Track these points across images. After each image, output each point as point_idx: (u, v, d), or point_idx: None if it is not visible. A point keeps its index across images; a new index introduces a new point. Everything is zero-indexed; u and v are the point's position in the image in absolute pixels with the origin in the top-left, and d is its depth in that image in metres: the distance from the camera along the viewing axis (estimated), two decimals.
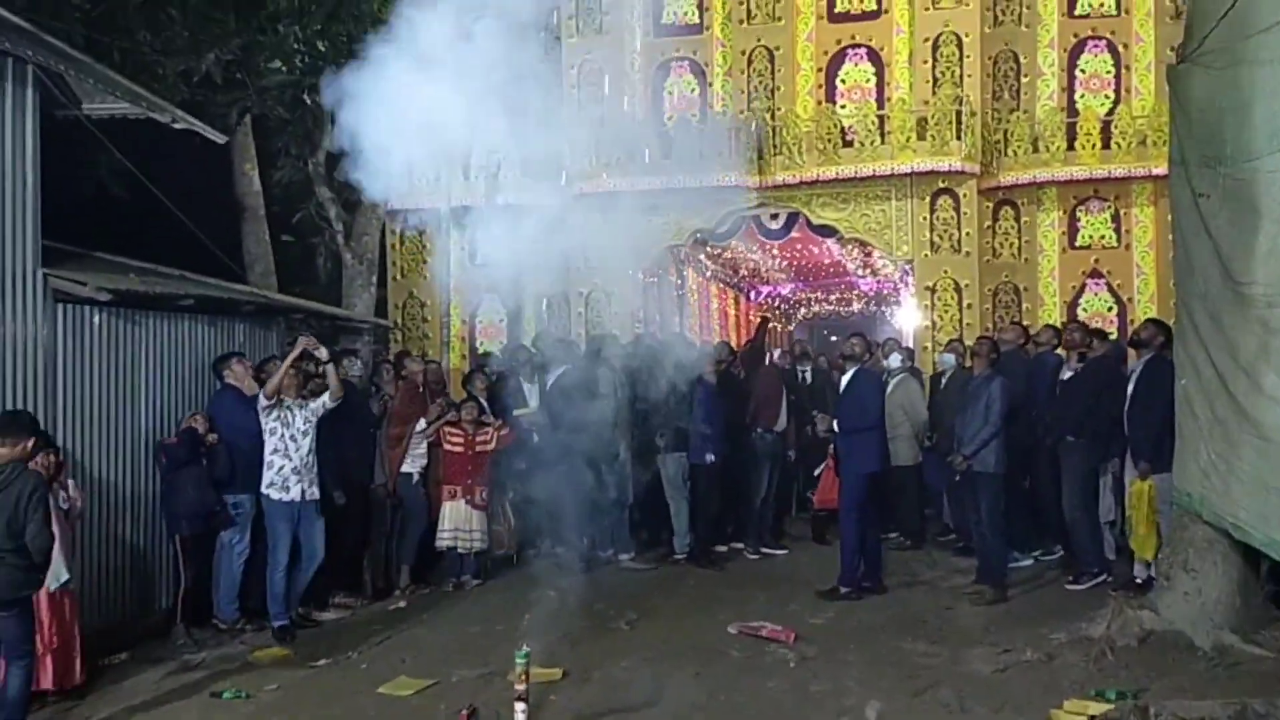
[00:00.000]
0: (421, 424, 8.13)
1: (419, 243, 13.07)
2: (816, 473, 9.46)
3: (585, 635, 6.64)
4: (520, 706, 4.97)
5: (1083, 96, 11.92)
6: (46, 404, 6.30)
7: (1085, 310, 11.85)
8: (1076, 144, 11.60)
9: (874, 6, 11.87)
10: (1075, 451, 7.63)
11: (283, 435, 6.94)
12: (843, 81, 11.93)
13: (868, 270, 16.89)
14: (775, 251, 15.45)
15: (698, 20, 12.36)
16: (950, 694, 5.50)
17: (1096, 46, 11.89)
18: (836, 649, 6.36)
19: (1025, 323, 11.29)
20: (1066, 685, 5.55)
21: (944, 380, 9.23)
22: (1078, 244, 11.95)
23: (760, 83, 11.96)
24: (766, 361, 9.87)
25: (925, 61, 11.57)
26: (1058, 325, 9.53)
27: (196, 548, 6.89)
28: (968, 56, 11.50)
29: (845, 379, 7.96)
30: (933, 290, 11.61)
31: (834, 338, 22.43)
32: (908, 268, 12.20)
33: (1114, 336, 10.70)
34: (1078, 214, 11.95)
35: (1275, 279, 5.51)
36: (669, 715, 5.40)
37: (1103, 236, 11.91)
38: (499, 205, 12.19)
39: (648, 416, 8.79)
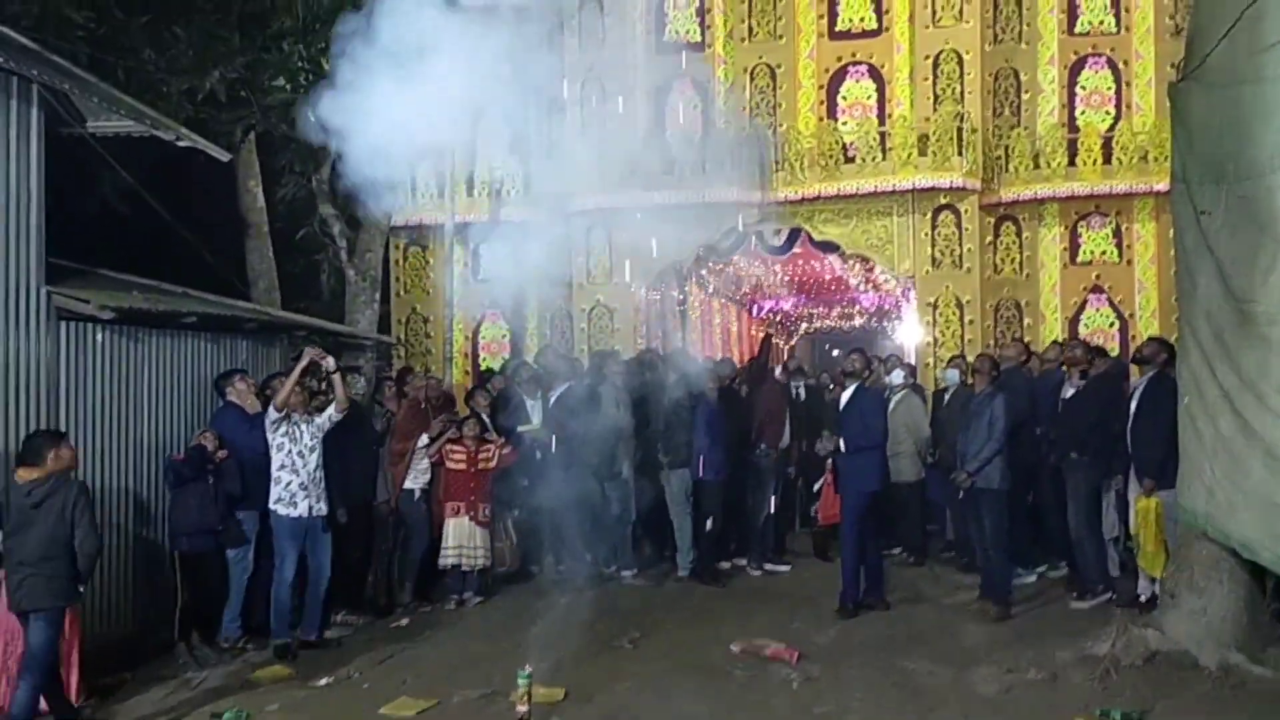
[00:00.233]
0: (424, 440, 8.12)
1: (422, 259, 13.12)
2: (816, 488, 9.44)
3: (587, 654, 6.61)
4: None
5: (1083, 113, 11.97)
6: (49, 421, 6.30)
7: (1087, 326, 11.87)
8: (1077, 160, 11.64)
9: (875, 24, 11.93)
10: (1079, 469, 7.61)
11: (290, 450, 6.90)
12: (844, 98, 11.99)
13: (869, 285, 16.91)
14: (777, 267, 15.48)
15: (700, 38, 12.41)
16: (955, 715, 5.47)
17: (1096, 63, 11.95)
18: (840, 668, 6.33)
19: (1027, 338, 11.33)
20: (1072, 705, 5.53)
21: (947, 396, 9.23)
22: (1079, 260, 11.98)
23: (762, 99, 12.01)
24: (770, 378, 9.85)
25: (926, 78, 11.62)
26: (1061, 341, 9.54)
27: (198, 565, 6.86)
28: (968, 73, 11.55)
29: (846, 396, 7.93)
30: (934, 306, 11.62)
31: (835, 352, 22.44)
32: (909, 283, 12.22)
33: (1115, 351, 10.72)
34: (1079, 230, 11.99)
35: (1277, 297, 5.51)
36: None
37: (1104, 252, 11.93)
38: (502, 221, 12.26)
39: (651, 433, 8.78)
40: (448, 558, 8.05)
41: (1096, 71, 11.96)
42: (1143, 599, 7.11)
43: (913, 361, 11.68)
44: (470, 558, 8.07)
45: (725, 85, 12.20)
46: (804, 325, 22.14)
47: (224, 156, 8.34)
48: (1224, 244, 5.86)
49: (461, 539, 8.05)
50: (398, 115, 6.65)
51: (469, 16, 7.04)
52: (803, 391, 9.96)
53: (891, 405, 8.84)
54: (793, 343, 22.29)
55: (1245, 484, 5.68)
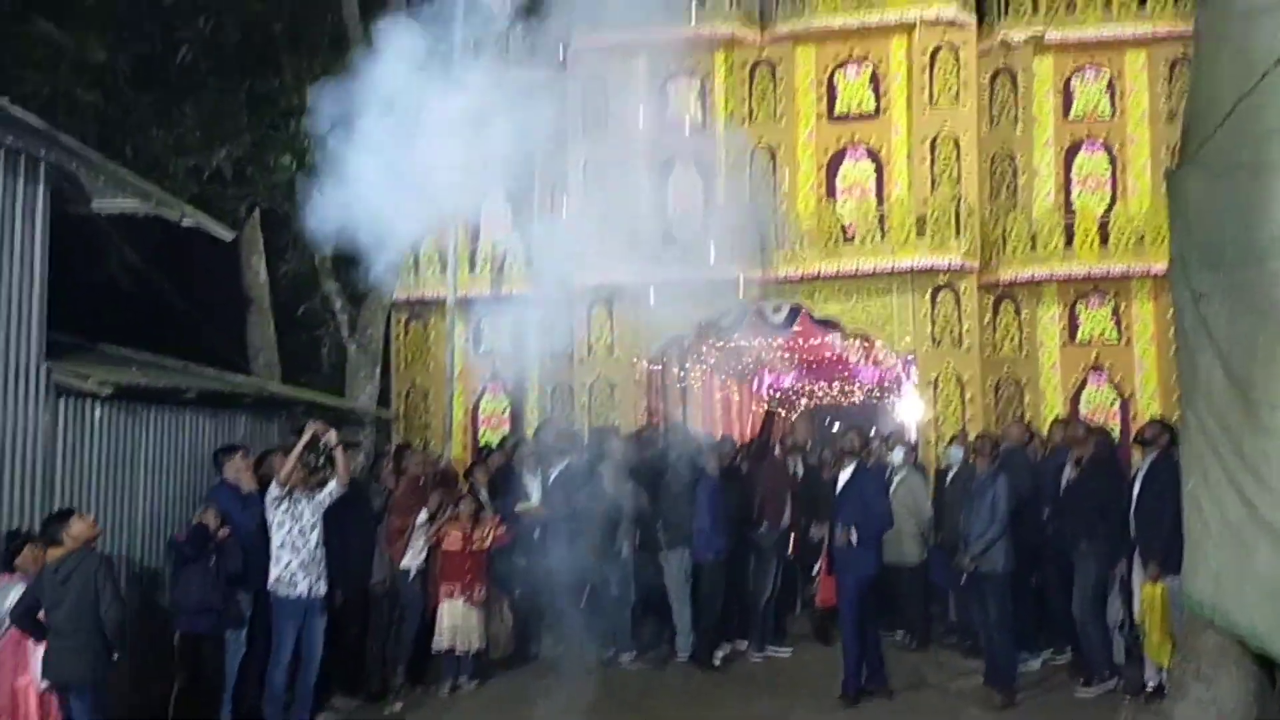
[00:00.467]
0: (423, 515, 8.04)
1: (423, 333, 13.14)
2: (814, 571, 9.33)
3: None
4: None
5: (1080, 195, 12.08)
6: (44, 496, 6.27)
7: (1088, 405, 11.83)
8: (1074, 241, 11.72)
9: (872, 108, 12.11)
10: (1088, 557, 7.51)
11: (291, 529, 6.80)
12: (843, 179, 12.11)
13: (870, 361, 16.92)
14: (778, 343, 15.50)
15: (701, 119, 12.60)
16: None
17: (1092, 147, 12.10)
18: None
19: (1028, 416, 11.29)
20: None
21: (950, 476, 9.16)
22: (1078, 339, 12.00)
23: (762, 180, 12.15)
24: (771, 455, 9.78)
25: (923, 161, 11.75)
26: (1064, 420, 9.50)
27: (197, 647, 6.65)
28: (965, 156, 11.69)
29: (844, 476, 7.82)
30: (935, 384, 11.61)
31: (836, 426, 22.33)
32: (910, 359, 12.23)
33: (1116, 430, 10.67)
34: (1078, 309, 12.02)
35: (1278, 385, 5.49)
36: None
37: (1103, 332, 11.96)
38: (504, 296, 12.32)
39: (651, 512, 8.69)
40: (442, 640, 7.92)
41: (1092, 155, 12.10)
42: (1149, 687, 6.98)
43: (913, 438, 11.63)
44: (465, 640, 7.94)
45: (726, 164, 12.34)
46: (804, 400, 22.12)
47: (227, 236, 8.42)
48: (1222, 328, 5.84)
49: (456, 620, 7.92)
50: (397, 195, 6.73)
51: (470, 95, 7.17)
52: (801, 469, 9.89)
53: (893, 485, 8.79)
54: (793, 418, 22.24)
55: (1252, 570, 5.58)
